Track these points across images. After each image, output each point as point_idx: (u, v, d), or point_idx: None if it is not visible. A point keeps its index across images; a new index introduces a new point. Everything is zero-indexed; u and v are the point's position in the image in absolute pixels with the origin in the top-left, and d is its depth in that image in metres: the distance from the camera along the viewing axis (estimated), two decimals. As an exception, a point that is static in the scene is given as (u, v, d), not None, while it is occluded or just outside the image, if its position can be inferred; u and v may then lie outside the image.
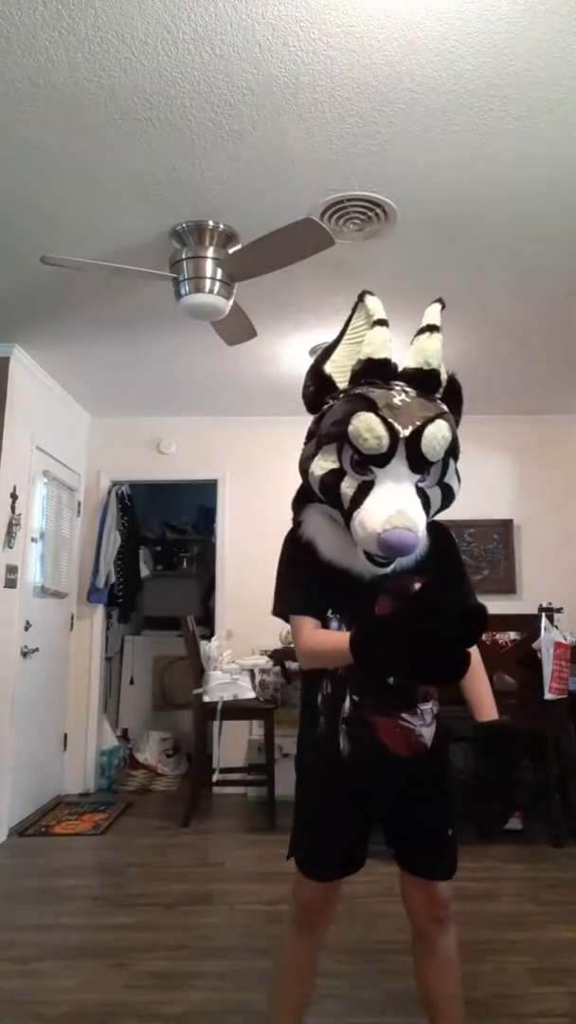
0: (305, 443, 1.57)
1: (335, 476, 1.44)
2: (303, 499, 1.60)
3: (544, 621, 3.53)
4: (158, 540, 6.42)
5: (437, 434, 1.40)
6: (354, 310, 1.59)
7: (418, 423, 1.39)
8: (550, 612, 3.63)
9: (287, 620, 1.57)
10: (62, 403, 4.69)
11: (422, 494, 1.43)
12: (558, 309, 3.46)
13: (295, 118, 2.18)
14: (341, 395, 1.51)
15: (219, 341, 3.31)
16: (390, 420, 1.37)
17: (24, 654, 3.99)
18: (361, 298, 1.57)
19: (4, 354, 3.86)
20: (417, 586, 1.50)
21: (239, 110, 2.15)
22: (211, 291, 2.74)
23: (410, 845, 1.59)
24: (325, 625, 1.53)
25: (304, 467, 1.53)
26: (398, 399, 1.42)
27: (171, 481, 5.39)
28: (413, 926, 1.61)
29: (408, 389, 1.46)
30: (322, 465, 1.46)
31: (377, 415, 1.38)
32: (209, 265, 2.73)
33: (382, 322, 1.52)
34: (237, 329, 3.14)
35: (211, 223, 2.71)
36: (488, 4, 1.80)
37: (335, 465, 1.44)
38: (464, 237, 2.83)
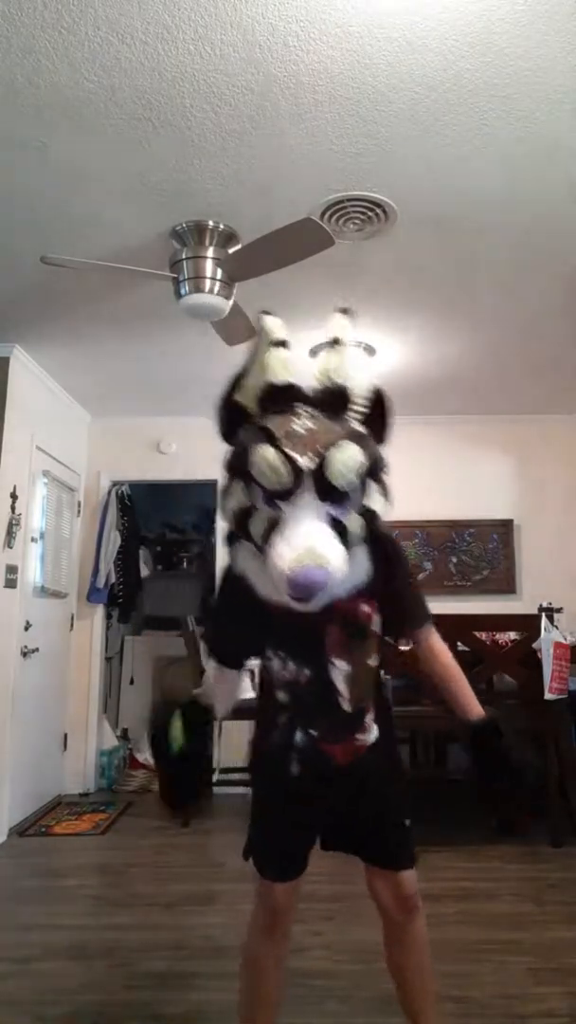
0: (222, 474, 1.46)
1: (244, 515, 1.35)
2: (233, 535, 1.48)
3: (544, 621, 3.52)
4: (158, 540, 6.42)
5: (344, 459, 1.28)
6: (258, 334, 1.45)
7: (322, 450, 1.27)
8: (550, 612, 3.63)
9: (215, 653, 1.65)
10: (62, 403, 4.69)
11: (338, 525, 1.30)
12: (558, 309, 3.45)
13: (295, 118, 2.18)
14: (248, 425, 1.38)
15: (219, 341, 3.31)
16: (288, 452, 1.26)
17: (24, 654, 3.99)
18: (260, 319, 1.44)
19: (4, 354, 3.86)
20: (365, 608, 1.47)
21: (239, 110, 2.15)
22: (211, 291, 2.74)
23: (368, 840, 1.61)
24: (266, 663, 1.56)
25: (220, 502, 1.47)
26: (298, 425, 1.30)
27: (171, 481, 5.38)
28: (383, 917, 1.64)
29: (315, 412, 1.33)
30: (232, 502, 1.38)
31: (275, 447, 1.27)
32: (209, 265, 2.73)
33: (280, 343, 1.40)
34: (237, 329, 3.14)
35: (211, 223, 2.71)
36: (488, 4, 1.80)
37: (244, 503, 1.35)
38: (464, 237, 2.83)
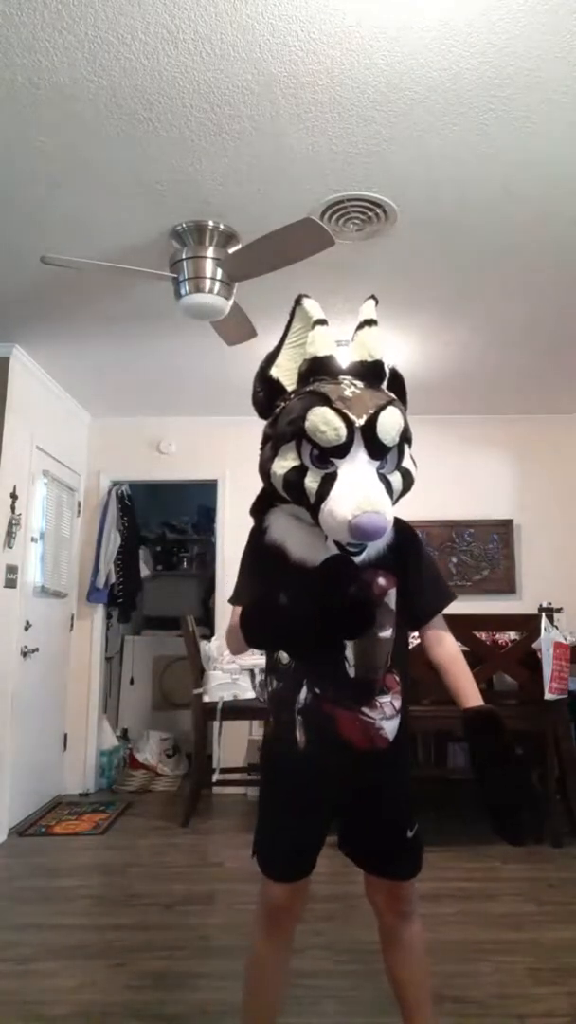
0: (261, 448, 1.57)
1: (298, 473, 1.45)
2: (264, 503, 1.61)
3: (544, 621, 3.53)
4: (158, 540, 6.42)
5: (391, 420, 1.45)
6: (292, 315, 1.60)
7: (371, 411, 1.43)
8: (550, 612, 3.63)
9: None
10: (62, 403, 4.69)
11: (384, 479, 1.46)
12: (558, 309, 3.46)
13: (295, 118, 2.19)
14: (292, 395, 1.53)
15: (219, 341, 3.31)
16: (344, 411, 1.41)
17: (24, 654, 3.99)
18: (298, 302, 1.58)
19: (4, 354, 3.86)
20: (381, 581, 1.55)
21: (239, 110, 2.15)
22: (211, 291, 2.74)
23: (370, 846, 1.61)
24: None
25: (265, 470, 1.53)
26: (348, 391, 1.45)
27: (171, 481, 5.39)
28: (379, 919, 1.65)
29: (356, 382, 1.49)
30: (283, 464, 1.47)
31: (331, 408, 1.41)
32: (209, 265, 2.73)
33: (322, 321, 1.54)
34: (237, 329, 3.14)
35: (211, 223, 2.71)
36: (488, 4, 1.80)
37: (296, 463, 1.45)
38: (464, 237, 2.83)
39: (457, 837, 3.53)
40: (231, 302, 2.84)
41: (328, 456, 1.42)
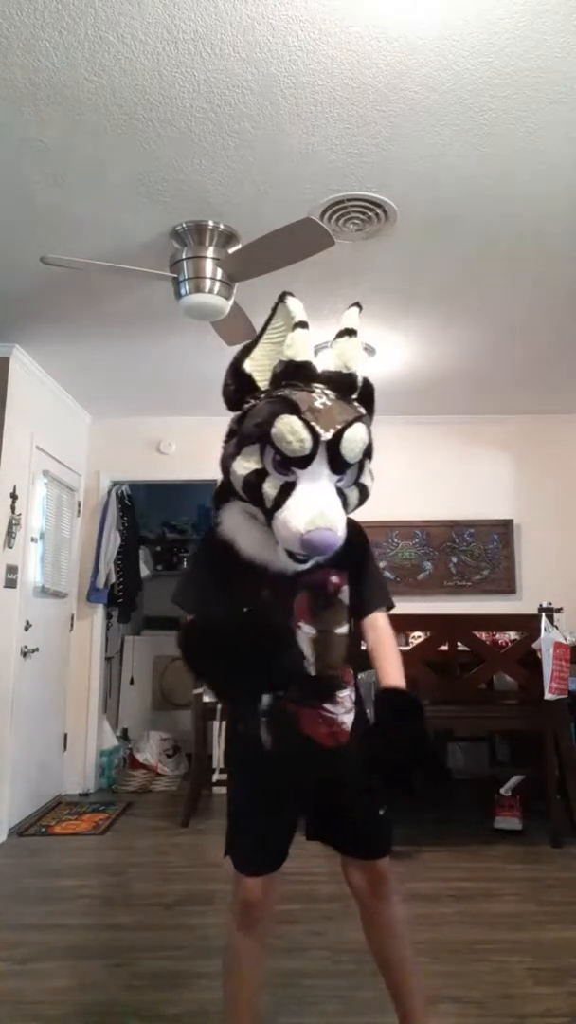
0: (225, 441, 1.58)
1: (258, 476, 1.46)
2: (223, 496, 1.63)
3: (544, 621, 3.53)
4: (158, 540, 6.42)
5: (356, 437, 1.45)
6: (274, 311, 1.59)
7: (339, 426, 1.43)
8: (550, 612, 3.63)
9: (182, 608, 1.63)
10: (62, 403, 4.69)
11: (340, 494, 1.48)
12: (558, 308, 3.46)
13: (295, 118, 2.19)
14: (263, 396, 1.53)
15: (219, 341, 3.31)
16: (312, 423, 1.41)
17: (24, 654, 3.99)
18: (282, 299, 1.57)
19: (4, 354, 3.86)
20: (334, 579, 1.57)
21: (239, 110, 2.15)
22: (211, 291, 2.74)
23: (343, 829, 1.63)
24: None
25: (226, 465, 1.54)
26: (319, 402, 1.45)
27: (171, 481, 5.38)
28: (358, 903, 1.66)
29: (328, 392, 1.49)
30: (244, 465, 1.48)
31: (300, 418, 1.41)
32: (209, 265, 2.73)
33: (303, 324, 1.52)
34: (237, 329, 3.14)
35: (211, 223, 2.71)
36: (488, 4, 1.80)
37: (258, 466, 1.47)
38: (464, 237, 2.83)
39: (457, 837, 3.53)
40: (231, 302, 2.84)
41: (290, 465, 1.44)
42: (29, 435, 4.12)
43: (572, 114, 2.17)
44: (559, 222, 2.73)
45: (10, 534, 3.83)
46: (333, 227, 2.65)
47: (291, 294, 1.58)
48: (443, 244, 2.89)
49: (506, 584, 4.98)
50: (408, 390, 4.49)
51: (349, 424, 1.44)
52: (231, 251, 2.76)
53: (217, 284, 2.75)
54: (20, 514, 3.91)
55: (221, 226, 2.72)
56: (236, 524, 1.57)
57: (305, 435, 1.40)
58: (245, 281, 2.83)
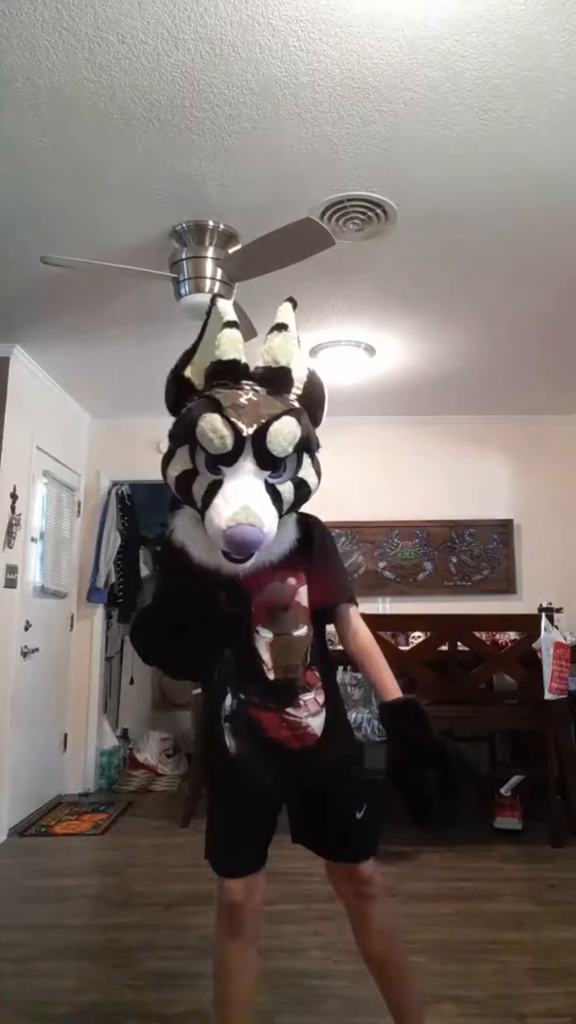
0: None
1: (188, 477, 1.47)
2: (176, 502, 1.62)
3: (544, 621, 3.53)
4: (158, 540, 6.41)
5: (283, 430, 1.43)
6: (208, 314, 1.58)
7: (263, 420, 1.41)
8: (550, 612, 3.63)
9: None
10: (62, 403, 4.69)
11: (272, 490, 1.45)
12: (558, 309, 3.45)
13: (295, 118, 2.19)
14: (195, 398, 1.53)
15: (219, 341, 3.31)
16: (233, 420, 1.40)
17: (24, 654, 3.99)
18: (213, 301, 1.57)
19: (4, 354, 3.86)
20: (291, 581, 1.57)
21: (239, 110, 2.15)
22: (211, 291, 2.74)
23: (321, 832, 1.63)
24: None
25: (162, 470, 1.55)
26: (244, 398, 1.44)
27: (171, 481, 5.37)
28: (345, 906, 1.67)
29: (258, 388, 1.48)
30: (176, 467, 1.49)
31: (221, 415, 1.40)
32: (209, 265, 2.73)
33: (231, 324, 1.52)
34: (237, 329, 3.14)
35: (211, 223, 2.71)
36: (488, 4, 1.80)
37: (188, 466, 1.47)
38: (464, 237, 2.83)
39: (457, 837, 3.52)
40: (231, 302, 2.83)
41: (217, 463, 1.43)
42: (29, 435, 4.12)
43: (572, 114, 2.17)
44: (559, 222, 2.73)
45: (10, 534, 3.83)
46: (333, 227, 2.65)
47: (222, 296, 1.59)
48: (443, 244, 2.89)
49: (506, 584, 4.98)
50: (408, 390, 4.49)
51: (276, 418, 1.42)
52: (231, 251, 2.76)
53: (217, 284, 2.75)
54: (20, 514, 3.91)
55: (221, 226, 2.72)
56: (186, 529, 1.55)
57: (225, 432, 1.39)
58: (245, 281, 2.83)
